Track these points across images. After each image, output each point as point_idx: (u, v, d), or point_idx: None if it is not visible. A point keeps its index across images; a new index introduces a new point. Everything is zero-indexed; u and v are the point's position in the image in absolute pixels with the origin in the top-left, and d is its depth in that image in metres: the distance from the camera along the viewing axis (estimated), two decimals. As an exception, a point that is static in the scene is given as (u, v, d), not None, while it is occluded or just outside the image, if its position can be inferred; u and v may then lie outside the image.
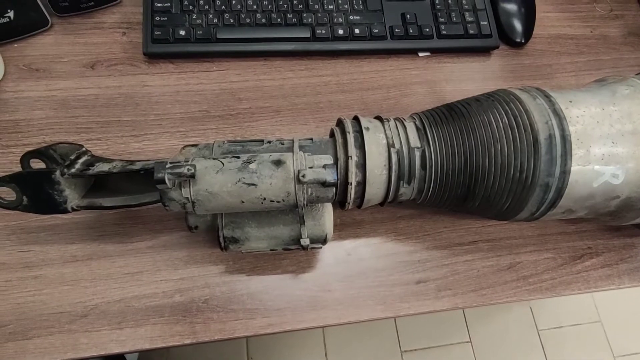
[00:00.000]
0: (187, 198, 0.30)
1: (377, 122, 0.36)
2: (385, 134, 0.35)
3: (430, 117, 0.36)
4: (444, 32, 0.50)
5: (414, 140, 0.35)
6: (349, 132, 0.34)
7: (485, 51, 0.52)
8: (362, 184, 0.34)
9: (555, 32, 0.55)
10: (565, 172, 0.33)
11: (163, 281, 0.38)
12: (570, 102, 0.35)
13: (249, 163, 0.30)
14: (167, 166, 0.29)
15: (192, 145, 0.35)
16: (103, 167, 0.33)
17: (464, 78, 0.50)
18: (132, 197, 0.34)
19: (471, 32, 0.50)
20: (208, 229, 0.34)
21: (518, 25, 0.52)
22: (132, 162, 0.33)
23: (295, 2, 0.48)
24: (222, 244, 0.34)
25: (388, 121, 0.36)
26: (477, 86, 0.50)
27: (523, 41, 0.52)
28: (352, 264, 0.40)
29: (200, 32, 0.46)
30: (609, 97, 0.35)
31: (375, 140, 0.34)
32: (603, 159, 0.33)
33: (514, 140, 0.33)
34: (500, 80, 0.51)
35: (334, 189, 0.31)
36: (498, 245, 0.43)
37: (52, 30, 0.46)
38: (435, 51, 0.51)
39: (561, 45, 0.54)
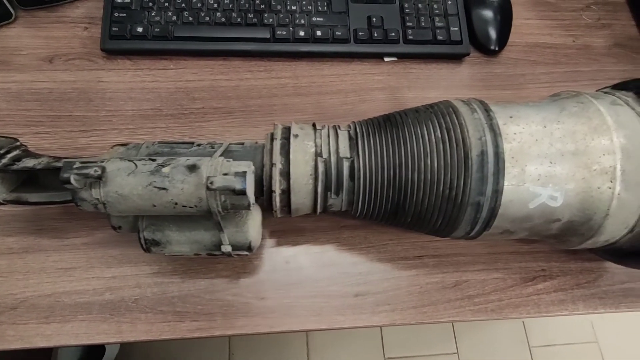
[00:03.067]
0: (98, 199, 0.29)
1: (309, 130, 0.34)
2: (315, 142, 0.34)
3: (366, 126, 0.35)
4: (410, 37, 0.48)
5: (344, 150, 0.33)
6: (276, 139, 0.33)
7: (455, 58, 0.50)
8: (287, 193, 0.33)
9: (534, 41, 0.52)
10: (497, 192, 0.31)
11: (95, 278, 0.38)
12: (511, 117, 0.33)
13: (163, 167, 0.30)
14: (75, 166, 0.29)
15: (122, 145, 0.35)
16: (28, 163, 0.33)
17: (428, 85, 0.49)
18: (57, 194, 0.34)
19: (440, 38, 0.48)
20: (131, 230, 0.34)
21: (492, 32, 0.50)
22: (58, 159, 0.33)
23: (257, 1, 0.47)
24: (143, 246, 0.33)
25: (321, 129, 0.35)
26: (441, 94, 0.48)
27: (497, 49, 0.50)
28: (290, 272, 0.40)
29: (158, 29, 0.45)
30: (555, 113, 0.33)
31: (303, 149, 0.33)
32: (539, 179, 0.31)
33: (444, 155, 0.32)
34: (467, 89, 0.49)
35: (248, 197, 0.30)
36: (445, 262, 0.41)
37: (16, 23, 0.47)
38: (402, 56, 0.49)
39: (538, 54, 0.52)
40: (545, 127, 0.32)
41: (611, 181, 0.31)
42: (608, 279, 0.42)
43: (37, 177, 0.35)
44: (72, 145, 0.42)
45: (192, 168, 0.30)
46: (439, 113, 0.34)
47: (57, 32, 0.47)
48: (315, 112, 0.46)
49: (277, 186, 0.33)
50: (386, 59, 0.49)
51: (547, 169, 0.31)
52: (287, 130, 0.34)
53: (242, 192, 0.29)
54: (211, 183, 0.28)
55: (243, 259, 0.40)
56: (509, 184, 0.31)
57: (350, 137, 0.34)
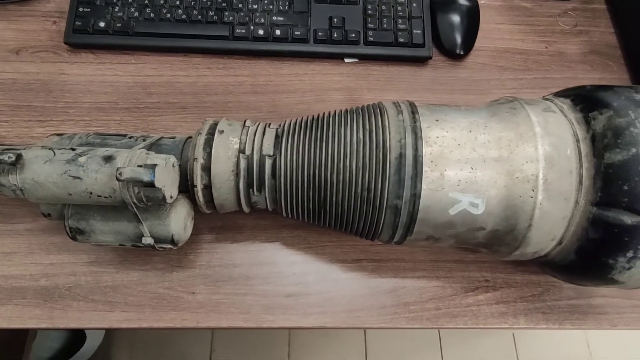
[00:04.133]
0: (15, 185, 0.30)
1: (237, 126, 0.35)
2: (240, 139, 0.34)
3: (294, 125, 0.34)
4: (371, 39, 0.48)
5: (268, 148, 0.33)
6: (201, 134, 0.34)
7: (417, 61, 0.49)
8: (209, 188, 0.33)
9: (504, 46, 0.51)
10: (415, 196, 0.31)
11: (33, 264, 0.39)
12: (437, 120, 0.32)
13: (80, 156, 0.30)
14: (-9, 152, 0.29)
15: (58, 134, 0.36)
16: (-36, 148, 0.34)
17: (388, 87, 0.48)
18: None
19: (401, 40, 0.48)
20: (59, 217, 0.35)
21: (457, 36, 0.49)
22: (-7, 146, 0.34)
23: (219, 0, 0.48)
24: (69, 234, 0.34)
25: (251, 127, 0.35)
26: (400, 96, 0.48)
27: (462, 53, 0.49)
28: (224, 269, 0.40)
29: (120, 24, 0.46)
30: (484, 118, 0.32)
31: (225, 144, 0.33)
32: (459, 184, 0.30)
33: (363, 157, 0.31)
34: (428, 92, 0.48)
35: (161, 190, 0.30)
36: (384, 267, 0.40)
37: (-12, 16, 0.49)
38: (363, 58, 0.49)
39: (507, 59, 0.50)
40: (470, 131, 0.31)
41: (533, 190, 0.30)
42: (554, 294, 0.40)
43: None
44: (28, 134, 0.43)
45: (108, 159, 0.30)
46: (366, 114, 0.33)
47: (27, 25, 0.49)
48: (270, 110, 0.46)
49: (199, 181, 0.33)
50: (347, 60, 0.49)
51: (467, 174, 0.30)
52: (214, 126, 0.34)
53: (150, 184, 0.29)
54: (120, 174, 0.29)
55: (179, 253, 0.40)
56: (427, 189, 0.30)
57: (277, 135, 0.34)
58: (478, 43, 0.51)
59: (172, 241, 0.34)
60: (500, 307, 0.40)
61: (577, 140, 0.30)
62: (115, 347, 0.99)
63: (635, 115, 0.29)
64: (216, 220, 0.41)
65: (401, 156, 0.30)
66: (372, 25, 0.48)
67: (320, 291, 0.39)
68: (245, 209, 0.35)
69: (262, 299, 0.39)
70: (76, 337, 0.89)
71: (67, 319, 0.37)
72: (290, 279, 0.39)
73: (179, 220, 0.34)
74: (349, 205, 0.32)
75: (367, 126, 0.32)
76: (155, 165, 0.29)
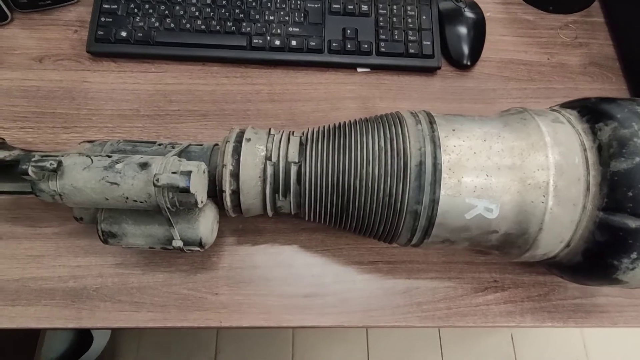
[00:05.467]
0: (54, 191, 0.32)
1: (263, 134, 0.36)
2: (266, 147, 0.35)
3: (317, 133, 0.36)
4: (383, 50, 0.50)
5: (293, 155, 0.35)
6: (228, 142, 0.35)
7: (427, 71, 0.51)
8: (237, 193, 0.35)
9: (508, 57, 0.53)
10: (434, 201, 0.32)
11: (61, 266, 0.40)
12: (454, 130, 0.34)
13: (117, 163, 0.32)
14: (33, 159, 0.31)
15: (89, 142, 0.38)
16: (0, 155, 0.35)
17: (399, 96, 0.50)
18: (25, 185, 0.36)
19: (412, 51, 0.50)
20: (92, 221, 0.36)
21: (465, 47, 0.51)
22: (28, 152, 0.36)
23: (236, 11, 0.50)
24: (101, 238, 0.35)
25: (275, 135, 0.37)
26: (412, 105, 0.50)
27: (469, 64, 0.51)
28: (245, 271, 0.41)
29: (141, 34, 0.48)
30: (498, 128, 0.35)
31: (253, 152, 0.35)
32: (475, 191, 0.32)
33: (385, 164, 0.33)
34: (437, 101, 0.50)
35: (194, 195, 0.32)
36: (398, 269, 0.42)
37: (12, 25, 0.50)
38: (374, 68, 0.51)
39: (511, 70, 0.53)
40: (485, 140, 0.33)
41: (544, 196, 0.32)
42: (560, 294, 0.42)
43: (10, 168, 0.38)
44: (54, 141, 0.45)
45: (144, 166, 0.32)
46: (386, 123, 0.35)
47: (50, 34, 0.50)
48: (288, 118, 0.48)
49: (227, 186, 0.35)
50: (359, 70, 0.51)
51: (483, 181, 0.32)
52: (241, 134, 0.36)
53: (186, 190, 0.31)
54: (157, 180, 0.30)
55: (203, 255, 0.41)
56: (445, 194, 0.32)
57: (300, 143, 0.36)
58: (484, 54, 0.53)
59: (200, 244, 0.36)
60: (508, 307, 0.42)
61: (585, 150, 0.32)
62: (121, 348, 1.00)
63: (639, 126, 0.31)
64: (237, 224, 0.43)
65: (421, 164, 0.32)
66: (384, 37, 0.50)
67: (337, 292, 0.41)
68: (270, 213, 0.37)
69: (281, 300, 0.40)
70: (83, 338, 0.90)
71: (95, 319, 0.39)
72: (308, 280, 0.41)
73: (207, 224, 0.36)
74: (371, 210, 0.34)
75: (388, 135, 0.34)
76: (190, 172, 0.31)
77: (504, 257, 0.38)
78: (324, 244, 0.43)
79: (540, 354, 1.10)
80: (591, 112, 0.34)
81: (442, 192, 0.32)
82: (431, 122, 0.35)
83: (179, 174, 0.31)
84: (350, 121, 0.37)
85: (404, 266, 0.42)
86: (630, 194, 0.30)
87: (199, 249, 0.36)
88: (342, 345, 1.06)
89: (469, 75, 0.52)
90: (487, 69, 0.53)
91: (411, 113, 0.36)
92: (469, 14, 0.52)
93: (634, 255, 0.31)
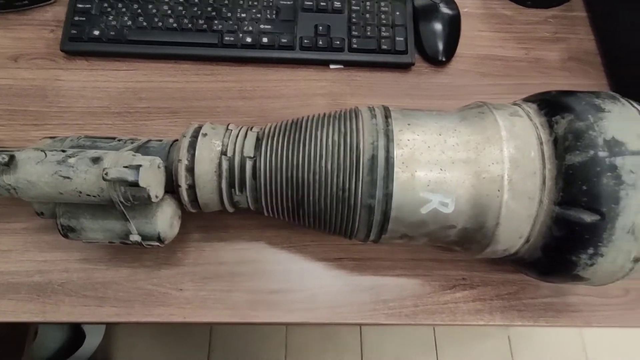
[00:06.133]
0: (10, 184, 0.32)
1: (221, 129, 0.36)
2: (222, 142, 0.35)
3: (274, 128, 0.36)
4: (355, 46, 0.49)
5: (249, 150, 0.35)
6: (185, 136, 0.35)
7: (400, 67, 0.51)
8: (193, 188, 0.35)
9: (485, 53, 0.53)
10: (387, 195, 0.32)
11: (28, 261, 0.41)
12: (409, 124, 0.34)
13: (70, 157, 0.32)
14: (-14, 154, 0.31)
15: (51, 137, 0.38)
16: (-38, 151, 0.36)
17: (371, 93, 0.50)
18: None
19: (384, 47, 0.50)
20: (52, 216, 0.36)
21: (439, 43, 0.51)
22: (-11, 148, 0.36)
23: (209, 9, 0.50)
24: (61, 232, 0.36)
25: (233, 130, 0.36)
26: (383, 101, 0.48)
27: (444, 60, 0.51)
28: (210, 267, 0.41)
29: (113, 33, 0.48)
30: (455, 122, 0.34)
31: (209, 147, 0.35)
32: (429, 185, 0.32)
33: (338, 158, 0.33)
34: (411, 97, 0.50)
35: (146, 189, 0.32)
36: (364, 265, 0.42)
37: (-12, 24, 0.51)
38: (347, 64, 0.50)
39: (487, 66, 0.52)
40: (440, 134, 0.33)
41: (499, 190, 0.31)
42: (530, 292, 0.41)
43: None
44: (24, 138, 0.45)
45: (96, 160, 0.32)
46: (342, 118, 0.35)
47: (26, 33, 0.51)
48: (258, 115, 0.48)
49: (183, 181, 0.35)
50: (332, 67, 0.51)
51: (437, 175, 0.32)
52: (198, 129, 0.36)
53: (135, 184, 0.31)
54: (106, 174, 0.30)
55: (168, 251, 0.41)
56: (398, 188, 0.32)
57: (257, 138, 0.36)
58: (460, 50, 0.52)
59: (159, 239, 0.36)
60: (476, 305, 0.41)
61: (541, 143, 0.32)
62: (114, 348, 1.01)
63: (594, 119, 0.30)
64: (204, 220, 0.43)
65: (373, 158, 0.32)
66: (357, 33, 0.50)
67: (303, 289, 0.41)
68: (229, 208, 0.37)
69: (246, 295, 0.40)
70: (76, 337, 0.90)
71: (59, 314, 0.39)
72: (274, 277, 0.41)
73: (165, 219, 0.36)
74: (326, 205, 0.34)
75: (342, 129, 0.34)
76: (140, 165, 0.31)
77: (467, 254, 0.37)
78: (290, 241, 0.42)
79: (538, 357, 1.08)
80: (549, 105, 0.33)
81: (395, 186, 0.32)
82: (387, 116, 0.34)
83: (129, 167, 0.31)
84: (308, 116, 0.37)
85: (370, 263, 0.42)
86: (584, 187, 0.29)
87: (158, 243, 0.36)
88: (336, 346, 1.05)
89: (443, 72, 0.52)
90: (463, 65, 0.52)
91: (369, 108, 0.35)
92: (444, 9, 0.52)
93: (590, 251, 0.30)
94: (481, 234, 0.33)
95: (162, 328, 1.02)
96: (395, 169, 0.32)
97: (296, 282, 0.41)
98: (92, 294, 0.40)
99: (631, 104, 0.32)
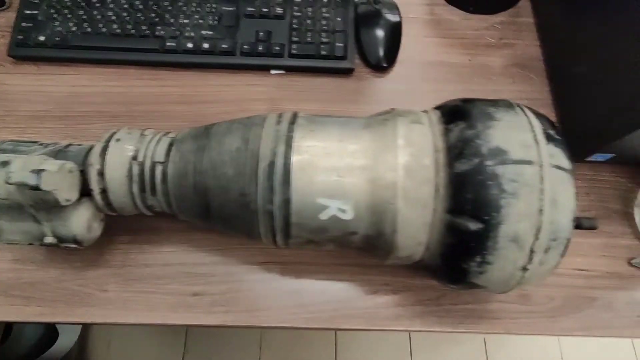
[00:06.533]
0: None
1: (136, 134, 0.37)
2: (135, 146, 0.36)
3: (187, 134, 0.37)
4: (294, 52, 0.50)
5: (160, 155, 0.36)
6: (99, 141, 0.36)
7: (341, 72, 0.51)
8: (105, 192, 0.36)
9: (429, 59, 0.53)
10: (286, 201, 0.33)
11: (-40, 261, 0.42)
12: (312, 131, 0.34)
13: (-19, 161, 0.33)
14: None
15: (-22, 141, 0.39)
16: None
17: (311, 98, 0.50)
18: None
19: (323, 53, 0.50)
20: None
21: (380, 49, 0.51)
22: None
23: (152, 15, 0.51)
24: (-19, 233, 0.37)
25: (148, 135, 0.37)
26: (322, 107, 0.50)
27: (385, 65, 0.51)
28: (136, 269, 0.42)
29: (58, 38, 0.50)
30: (358, 129, 0.34)
31: (120, 152, 0.36)
32: (326, 191, 0.32)
33: (238, 165, 0.33)
34: (349, 103, 0.50)
35: (51, 193, 0.32)
36: (288, 269, 0.42)
37: (-57, 31, 0.53)
38: (288, 70, 0.51)
39: (430, 71, 0.52)
40: (341, 141, 0.33)
41: (393, 197, 0.31)
42: (452, 299, 0.41)
43: None
44: (-33, 141, 0.47)
45: (4, 164, 0.33)
46: (250, 124, 0.35)
47: (-22, 39, 0.52)
48: (195, 120, 0.49)
49: (96, 185, 0.36)
50: (273, 72, 0.51)
51: (334, 181, 0.32)
52: (113, 134, 0.37)
53: (36, 188, 0.32)
54: (9, 178, 0.32)
55: (96, 252, 0.42)
56: (296, 195, 0.32)
57: (170, 143, 0.37)
58: (404, 55, 0.53)
59: (76, 241, 0.37)
60: (397, 310, 0.41)
61: (437, 151, 0.32)
62: (91, 348, 1.02)
63: (483, 127, 0.30)
64: (134, 223, 0.43)
65: (271, 164, 0.33)
66: (297, 39, 0.50)
67: (225, 291, 0.41)
68: (145, 211, 0.38)
69: (168, 298, 0.41)
70: (50, 335, 0.92)
71: (-14, 312, 0.40)
72: (198, 279, 0.42)
73: (81, 222, 0.37)
74: (230, 210, 0.34)
75: (246, 136, 0.34)
76: (42, 170, 0.32)
77: (378, 260, 0.37)
78: (217, 244, 0.43)
79: (513, 358, 1.07)
80: (448, 112, 0.33)
81: (293, 192, 0.32)
82: (292, 122, 0.35)
83: (33, 172, 0.32)
84: (221, 122, 0.37)
85: (294, 267, 0.42)
86: (469, 195, 0.29)
87: (75, 245, 0.37)
88: (310, 349, 1.06)
89: (385, 77, 0.52)
90: (406, 71, 0.52)
91: (278, 114, 0.36)
92: (386, 16, 0.52)
93: (478, 259, 0.30)
94: (382, 241, 0.33)
95: (138, 328, 1.04)
96: (293, 176, 0.32)
97: (218, 285, 0.42)
98: (19, 293, 0.41)
99: (524, 113, 0.32)
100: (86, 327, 1.01)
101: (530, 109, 0.33)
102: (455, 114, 0.32)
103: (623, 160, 0.45)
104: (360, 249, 0.36)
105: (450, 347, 1.08)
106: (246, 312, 0.41)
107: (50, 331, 0.91)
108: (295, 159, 0.32)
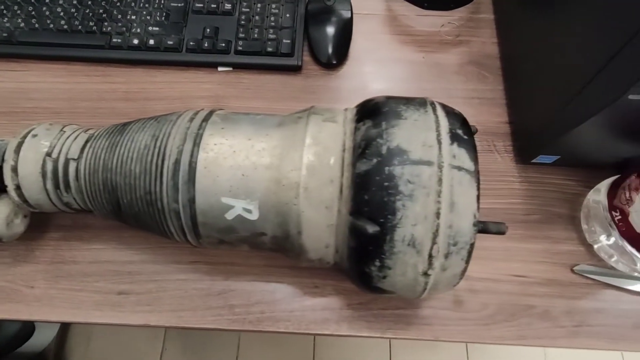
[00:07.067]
0: None
1: (55, 130, 0.37)
2: (51, 143, 0.36)
3: (104, 130, 0.36)
4: (240, 48, 0.49)
5: (74, 152, 0.35)
6: (16, 137, 0.36)
7: (288, 69, 0.50)
8: (20, 189, 0.36)
9: (381, 56, 0.52)
10: (190, 200, 0.32)
11: None
12: (223, 128, 0.33)
13: None
14: None
15: None
16: None
17: (257, 95, 0.49)
18: None
19: (269, 49, 0.49)
20: None
21: (329, 46, 0.50)
22: None
23: (100, 11, 0.50)
24: None
25: (67, 132, 0.37)
26: (267, 104, 0.49)
27: (335, 62, 0.50)
28: (65, 265, 0.42)
29: (6, 34, 0.50)
30: (270, 128, 0.33)
31: (35, 148, 0.35)
32: (230, 190, 0.31)
33: (146, 162, 0.33)
34: (295, 100, 0.49)
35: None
36: (217, 270, 0.42)
37: None
38: (235, 66, 0.50)
39: (383, 69, 0.51)
40: (249, 139, 0.32)
41: (296, 197, 0.30)
42: (382, 303, 0.40)
43: None
44: None
45: None
46: (163, 121, 0.35)
47: None
48: (138, 116, 0.47)
49: (10, 181, 0.35)
50: (220, 69, 0.50)
51: (238, 180, 0.31)
52: (30, 130, 0.37)
53: (-61, 184, 0.32)
54: None
55: (26, 248, 0.42)
56: (200, 194, 0.32)
57: (87, 140, 0.36)
58: (356, 53, 0.51)
59: (-7, 237, 0.37)
60: (324, 313, 0.40)
61: (344, 150, 0.31)
62: (70, 344, 1.03)
63: (387, 126, 0.29)
64: (67, 219, 0.43)
65: (177, 162, 0.32)
66: (243, 35, 0.50)
67: (151, 290, 0.41)
68: (62, 208, 0.37)
69: (94, 296, 0.41)
70: (26, 331, 0.93)
71: None
72: (125, 278, 0.41)
73: (-2, 218, 0.36)
74: (139, 208, 0.34)
75: (156, 133, 0.33)
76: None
77: (295, 262, 0.36)
78: (148, 242, 0.43)
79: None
80: (361, 111, 0.32)
81: (198, 191, 0.31)
82: (205, 119, 0.34)
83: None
84: (138, 120, 0.37)
85: (223, 267, 0.42)
86: (366, 197, 0.28)
87: (-6, 241, 0.37)
88: (289, 352, 1.05)
89: (335, 75, 0.51)
90: (356, 68, 0.51)
91: (194, 111, 0.35)
92: (337, 12, 0.51)
93: (377, 263, 0.29)
94: (290, 243, 0.32)
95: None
96: (197, 174, 0.31)
97: (145, 284, 0.41)
98: (-53, 288, 0.41)
99: (434, 112, 0.30)
100: (65, 323, 1.02)
101: (445, 107, 0.32)
102: (364, 111, 0.31)
103: (569, 163, 0.43)
104: (272, 250, 0.35)
105: (432, 351, 1.05)
106: (171, 312, 0.40)
107: (26, 326, 0.92)
108: (200, 157, 0.32)
